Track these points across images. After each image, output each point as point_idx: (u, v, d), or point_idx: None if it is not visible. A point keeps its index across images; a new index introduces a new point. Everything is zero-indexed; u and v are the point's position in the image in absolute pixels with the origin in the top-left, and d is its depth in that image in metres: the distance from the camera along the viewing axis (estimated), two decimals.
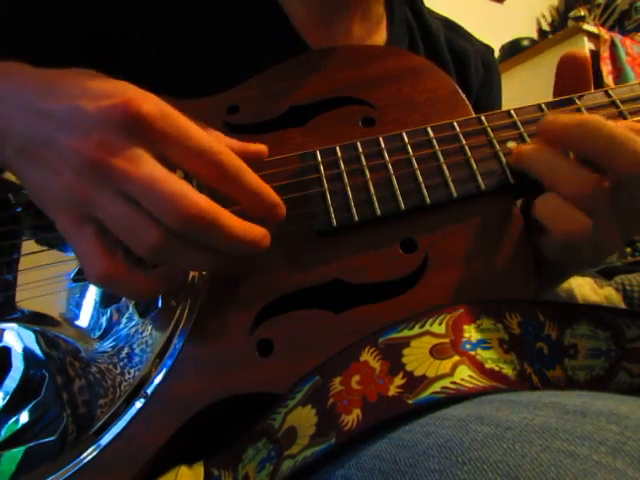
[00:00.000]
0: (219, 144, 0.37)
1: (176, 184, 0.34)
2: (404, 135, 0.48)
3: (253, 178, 0.38)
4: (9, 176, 0.46)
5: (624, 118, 0.47)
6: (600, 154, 0.39)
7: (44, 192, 0.37)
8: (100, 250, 0.36)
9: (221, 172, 0.37)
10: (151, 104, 0.35)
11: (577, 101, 0.49)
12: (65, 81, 0.38)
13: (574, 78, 0.48)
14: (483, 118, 0.49)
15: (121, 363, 0.43)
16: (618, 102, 0.48)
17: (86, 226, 0.36)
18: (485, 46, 0.76)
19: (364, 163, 0.47)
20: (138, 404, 0.41)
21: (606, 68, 2.52)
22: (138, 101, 0.35)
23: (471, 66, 0.71)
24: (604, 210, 0.39)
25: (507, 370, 0.35)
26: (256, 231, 0.38)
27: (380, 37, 0.65)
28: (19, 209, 0.48)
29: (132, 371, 0.43)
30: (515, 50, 2.80)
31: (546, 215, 0.42)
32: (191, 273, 0.45)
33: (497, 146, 0.47)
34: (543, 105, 0.49)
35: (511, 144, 0.47)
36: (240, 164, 0.38)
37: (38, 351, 0.44)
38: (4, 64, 0.41)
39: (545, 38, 2.96)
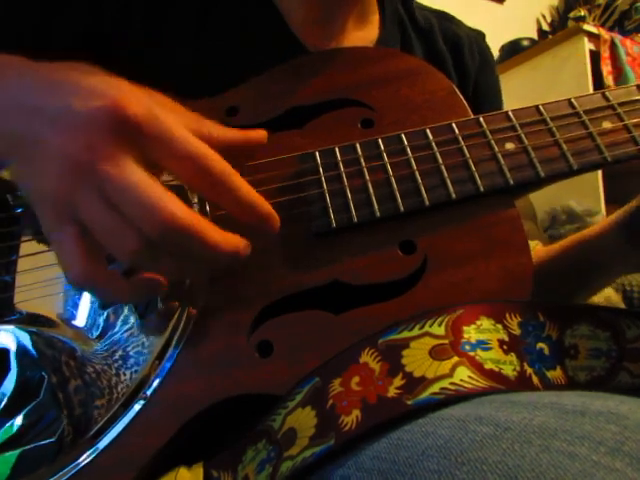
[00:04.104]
0: (207, 148, 0.36)
1: (156, 192, 0.33)
2: (403, 137, 0.48)
3: (243, 186, 0.37)
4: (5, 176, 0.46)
5: (621, 120, 0.48)
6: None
7: (32, 190, 0.37)
8: (81, 251, 0.35)
9: (207, 178, 0.35)
10: (139, 106, 0.35)
11: (574, 102, 0.49)
12: (60, 76, 0.37)
13: None
14: (482, 120, 0.49)
15: (119, 364, 0.43)
16: (616, 105, 0.48)
17: (69, 226, 0.35)
18: (476, 31, 0.76)
19: (363, 164, 0.47)
20: (137, 406, 0.41)
21: (606, 68, 2.51)
22: (126, 102, 0.34)
23: (466, 51, 0.71)
24: None
25: (507, 371, 0.35)
26: (237, 241, 0.37)
27: (373, 34, 0.65)
28: (18, 209, 0.48)
29: (130, 373, 0.43)
30: (515, 50, 2.79)
31: None
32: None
33: (495, 147, 0.47)
34: (541, 107, 0.49)
35: (509, 145, 0.47)
36: (229, 171, 0.36)
37: (36, 352, 0.44)
38: (1, 57, 0.41)
39: (545, 38, 2.95)
